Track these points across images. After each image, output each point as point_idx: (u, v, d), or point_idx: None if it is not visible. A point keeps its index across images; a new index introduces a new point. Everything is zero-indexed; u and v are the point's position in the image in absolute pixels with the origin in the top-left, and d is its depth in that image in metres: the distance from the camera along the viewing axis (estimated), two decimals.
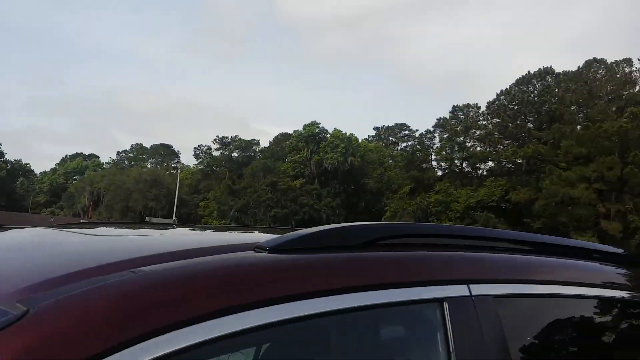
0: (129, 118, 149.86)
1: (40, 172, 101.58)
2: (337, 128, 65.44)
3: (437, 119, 62.11)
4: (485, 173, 57.78)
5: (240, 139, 72.33)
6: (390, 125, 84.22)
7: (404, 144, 76.38)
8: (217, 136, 73.69)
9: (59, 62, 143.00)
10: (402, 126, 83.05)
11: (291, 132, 68.58)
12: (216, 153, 73.50)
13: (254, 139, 73.06)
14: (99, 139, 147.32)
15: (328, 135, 64.72)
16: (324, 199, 59.88)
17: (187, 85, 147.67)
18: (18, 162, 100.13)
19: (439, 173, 60.96)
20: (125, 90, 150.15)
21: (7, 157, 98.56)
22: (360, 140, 73.40)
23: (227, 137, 72.37)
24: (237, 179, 65.00)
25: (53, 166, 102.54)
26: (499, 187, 51.33)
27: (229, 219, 61.68)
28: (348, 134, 65.07)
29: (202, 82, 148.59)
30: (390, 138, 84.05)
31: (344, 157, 61.83)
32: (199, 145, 74.75)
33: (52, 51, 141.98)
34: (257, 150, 72.68)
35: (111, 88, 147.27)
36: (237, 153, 73.12)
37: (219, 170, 73.18)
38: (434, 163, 61.63)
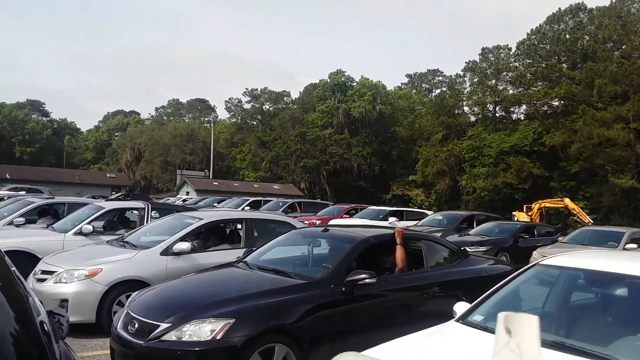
0: (168, 74, 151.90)
1: (86, 130, 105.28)
2: (364, 76, 64.76)
3: (466, 62, 60.58)
4: (519, 116, 56.49)
5: (270, 91, 72.62)
6: (423, 71, 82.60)
7: (438, 90, 74.96)
8: (246, 88, 74.21)
9: (101, 19, 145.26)
10: (435, 72, 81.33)
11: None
12: (247, 106, 74.18)
13: (284, 91, 73.16)
14: (139, 96, 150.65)
15: (354, 84, 64.19)
16: (354, 147, 60.02)
17: (221, 39, 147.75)
18: (64, 120, 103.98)
19: (472, 119, 59.91)
20: (165, 46, 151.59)
21: (52, 116, 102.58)
22: (392, 88, 72.57)
23: (257, 89, 72.78)
24: (269, 131, 65.75)
25: (96, 123, 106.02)
26: (532, 131, 50.24)
27: (261, 171, 62.99)
28: (375, 81, 64.34)
29: (234, 35, 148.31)
30: (424, 85, 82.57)
31: (372, 105, 61.41)
32: (229, 99, 75.59)
33: (94, 9, 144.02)
34: (288, 101, 72.85)
35: (151, 44, 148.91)
36: (268, 105, 73.58)
37: (251, 122, 74.08)
38: (466, 108, 60.52)
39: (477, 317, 4.06)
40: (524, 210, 28.71)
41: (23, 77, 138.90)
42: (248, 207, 24.02)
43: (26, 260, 8.05)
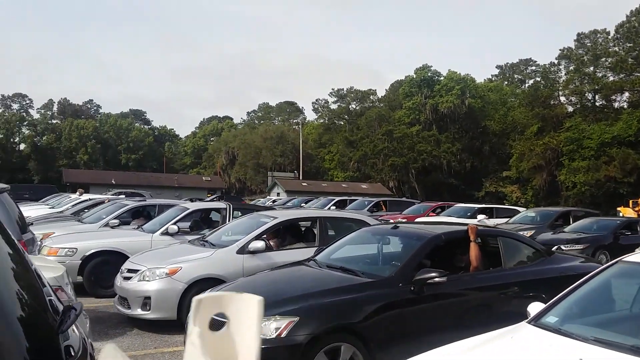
0: (258, 79, 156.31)
1: (184, 136, 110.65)
2: (452, 70, 63.04)
3: (560, 50, 57.26)
4: (621, 105, 52.62)
5: (356, 90, 72.63)
6: (514, 61, 79.07)
7: (531, 81, 71.50)
8: (332, 89, 74.67)
9: (195, 31, 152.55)
10: (528, 61, 77.57)
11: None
12: (334, 106, 74.65)
13: (370, 89, 72.88)
14: (232, 101, 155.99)
15: (442, 78, 62.64)
16: (443, 144, 58.69)
17: (307, 41, 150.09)
18: (164, 127, 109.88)
19: (569, 109, 56.59)
20: (254, 52, 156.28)
21: (153, 124, 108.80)
22: (481, 81, 70.15)
23: (343, 89, 73.04)
24: (356, 130, 65.77)
25: (193, 129, 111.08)
26: (637, 119, 46.61)
27: (349, 171, 63.15)
28: (462, 74, 62.41)
29: (320, 36, 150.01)
30: (516, 76, 79.05)
31: (461, 99, 59.66)
32: (316, 100, 76.46)
33: (191, 20, 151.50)
34: (374, 99, 72.48)
35: (242, 52, 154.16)
36: (354, 104, 73.61)
37: (338, 122, 74.47)
38: (562, 98, 57.24)
39: (550, 319, 3.77)
40: (630, 205, 26.64)
41: (127, 88, 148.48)
42: (334, 207, 24.14)
43: (117, 259, 8.52)
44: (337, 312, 4.82)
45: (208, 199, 33.99)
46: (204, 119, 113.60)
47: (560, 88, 56.37)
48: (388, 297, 5.06)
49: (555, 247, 12.12)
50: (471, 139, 61.36)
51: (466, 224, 6.30)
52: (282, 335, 4.49)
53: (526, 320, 3.84)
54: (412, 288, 5.11)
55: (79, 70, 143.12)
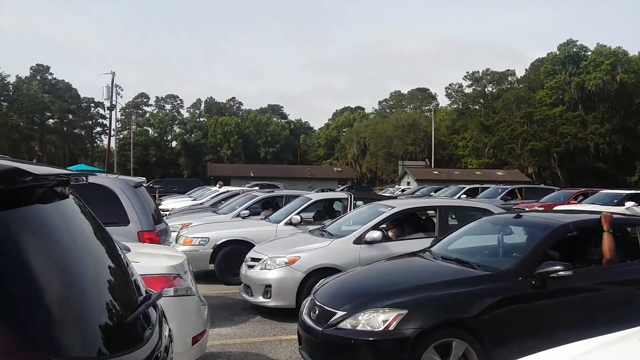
0: (390, 67, 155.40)
1: (318, 129, 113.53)
2: (600, 43, 57.47)
3: None
4: None
5: (492, 72, 69.16)
6: None
7: None
8: (467, 72, 71.83)
9: (329, 22, 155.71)
10: None
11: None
12: (468, 90, 71.83)
13: (508, 70, 68.97)
14: (364, 91, 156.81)
15: (589, 53, 57.39)
16: (590, 125, 53.95)
17: (440, 24, 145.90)
18: (299, 121, 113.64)
19: None
20: (385, 40, 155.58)
21: (289, 117, 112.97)
22: (635, 54, 63.24)
23: (478, 72, 69.98)
24: (492, 114, 62.76)
25: (326, 121, 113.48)
26: None
27: (484, 157, 60.50)
28: (613, 48, 56.63)
29: (453, 18, 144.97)
30: None
31: (611, 75, 54.25)
32: (449, 84, 74.09)
33: (323, 12, 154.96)
34: (512, 80, 68.52)
35: (373, 40, 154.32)
36: (490, 87, 70.23)
37: (473, 107, 71.58)
38: None
39: None
40: None
41: (266, 84, 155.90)
42: (464, 196, 23.28)
43: (244, 248, 8.93)
44: (448, 306, 4.60)
45: (338, 189, 34.57)
46: (336, 110, 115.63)
47: None
48: (506, 292, 4.73)
49: None
50: (623, 119, 55.71)
51: (600, 213, 5.69)
52: (389, 328, 4.39)
53: None
54: (533, 282, 4.73)
55: (223, 70, 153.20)
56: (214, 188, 24.46)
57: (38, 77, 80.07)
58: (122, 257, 2.23)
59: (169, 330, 2.29)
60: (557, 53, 59.74)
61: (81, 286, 1.71)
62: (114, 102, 48.01)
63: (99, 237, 2.08)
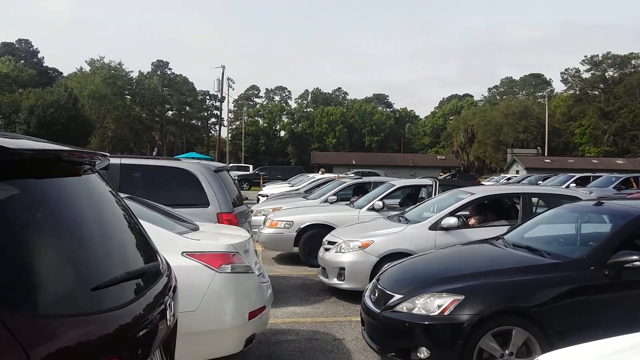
0: (501, 53, 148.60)
1: (424, 117, 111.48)
2: None
3: None
4: None
5: (614, 55, 63.81)
6: None
7: None
8: (585, 56, 66.83)
9: (439, 8, 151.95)
10: None
11: None
12: (586, 75, 66.86)
13: (632, 53, 63.26)
14: (473, 78, 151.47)
15: None
16: None
17: (557, 7, 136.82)
18: (404, 109, 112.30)
19: None
20: (497, 25, 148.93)
21: (394, 106, 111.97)
22: None
23: (598, 56, 64.86)
24: (613, 100, 58.02)
25: (433, 110, 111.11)
26: None
27: (603, 145, 56.17)
28: None
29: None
30: None
31: None
32: (566, 70, 69.46)
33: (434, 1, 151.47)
34: (636, 64, 62.73)
35: (483, 26, 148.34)
36: (611, 71, 64.85)
37: (591, 93, 66.58)
38: None
39: None
40: None
41: (371, 74, 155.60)
42: (573, 184, 21.84)
43: (327, 232, 9.08)
44: (507, 293, 4.43)
45: (441, 177, 33.85)
46: (443, 98, 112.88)
47: None
48: (575, 281, 4.46)
49: None
50: None
51: None
52: (445, 313, 4.32)
53: None
54: (606, 272, 4.42)
55: (329, 61, 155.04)
56: (317, 175, 24.89)
57: (158, 72, 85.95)
58: (136, 228, 2.42)
59: (173, 308, 2.42)
60: None
61: (86, 246, 1.92)
62: (224, 94, 50.41)
63: (113, 210, 2.29)
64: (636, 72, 60.03)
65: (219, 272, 4.31)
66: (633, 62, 63.14)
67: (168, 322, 2.26)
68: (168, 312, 2.26)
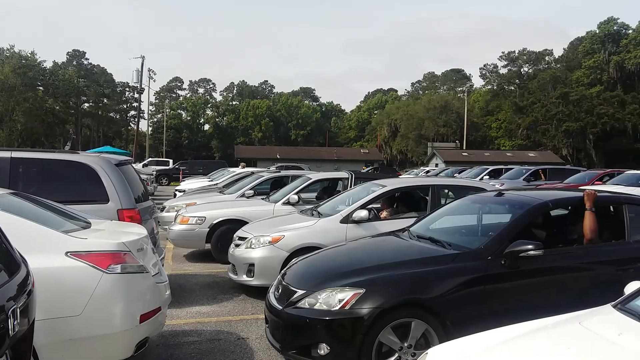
0: (425, 48, 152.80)
1: (350, 111, 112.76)
2: None
3: None
4: None
5: (529, 52, 67.07)
6: None
7: None
8: (502, 52, 69.91)
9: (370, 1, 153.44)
10: None
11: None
12: (503, 70, 69.97)
13: (545, 49, 66.76)
14: (401, 73, 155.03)
15: (630, 32, 55.04)
16: (629, 105, 51.94)
17: (480, 2, 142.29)
18: (330, 103, 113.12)
19: None
20: (421, 20, 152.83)
21: (321, 100, 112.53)
22: None
23: (514, 52, 68.01)
24: (527, 95, 61.03)
25: (358, 104, 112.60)
26: None
27: (517, 139, 59.02)
28: None
29: None
30: None
31: None
32: (484, 65, 72.33)
33: None
34: (550, 60, 66.29)
35: (409, 22, 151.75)
36: (526, 67, 68.18)
37: (508, 88, 69.75)
38: None
39: None
40: None
41: (300, 67, 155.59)
42: (487, 177, 22.74)
43: (241, 227, 8.86)
44: (409, 285, 4.41)
45: (363, 171, 34.30)
46: (369, 92, 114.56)
47: None
48: (473, 272, 4.51)
49: None
50: None
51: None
52: (345, 308, 4.24)
53: (612, 303, 3.13)
54: (503, 262, 4.50)
55: (256, 53, 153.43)
56: (238, 170, 24.48)
57: (74, 63, 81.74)
58: None
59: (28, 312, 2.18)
60: (597, 31, 57.50)
61: None
62: (144, 86, 48.65)
63: None
64: (549, 68, 63.38)
65: (107, 273, 4.02)
66: (547, 58, 66.63)
67: (15, 329, 2.05)
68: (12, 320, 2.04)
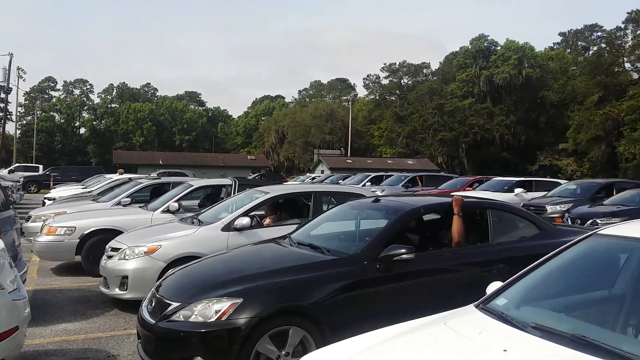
0: (311, 57, 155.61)
1: (237, 117, 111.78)
2: (510, 38, 60.22)
3: (628, 13, 53.56)
4: None
5: (408, 64, 70.77)
6: (579, 28, 74.88)
7: (595, 48, 67.32)
8: (384, 63, 73.08)
9: (258, 7, 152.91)
10: (593, 27, 73.22)
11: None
12: (385, 81, 73.11)
13: (423, 62, 70.81)
14: (288, 80, 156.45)
15: (498, 48, 59.98)
16: (497, 117, 56.42)
17: (363, 15, 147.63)
18: (217, 108, 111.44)
19: (634, 76, 52.96)
20: (308, 29, 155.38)
21: (207, 105, 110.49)
22: (541, 50, 66.77)
23: (395, 64, 71.35)
24: (406, 105, 64.26)
25: (246, 110, 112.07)
26: None
27: (398, 147, 61.87)
28: (521, 43, 59.50)
29: (376, 10, 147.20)
30: (580, 43, 74.84)
31: (518, 69, 56.97)
32: (367, 75, 75.16)
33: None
34: (427, 73, 70.38)
35: (296, 31, 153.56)
36: (406, 79, 71.81)
37: (389, 98, 72.97)
38: (627, 65, 53.59)
39: (500, 302, 3.19)
40: None
41: (185, 70, 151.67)
42: (369, 183, 23.55)
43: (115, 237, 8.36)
44: (286, 293, 4.38)
45: (250, 177, 34.09)
46: (256, 98, 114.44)
47: (626, 54, 52.69)
48: (350, 277, 4.57)
49: (590, 221, 11.21)
50: (527, 111, 58.73)
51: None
52: (222, 319, 4.11)
53: (474, 303, 3.30)
54: (377, 266, 4.61)
55: (138, 54, 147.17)
56: (115, 176, 23.23)
57: None
58: None
59: None
60: (470, 47, 61.94)
61: None
62: (12, 85, 44.77)
63: None
64: (427, 81, 67.20)
65: None
66: (425, 70, 70.65)
67: None
68: None
